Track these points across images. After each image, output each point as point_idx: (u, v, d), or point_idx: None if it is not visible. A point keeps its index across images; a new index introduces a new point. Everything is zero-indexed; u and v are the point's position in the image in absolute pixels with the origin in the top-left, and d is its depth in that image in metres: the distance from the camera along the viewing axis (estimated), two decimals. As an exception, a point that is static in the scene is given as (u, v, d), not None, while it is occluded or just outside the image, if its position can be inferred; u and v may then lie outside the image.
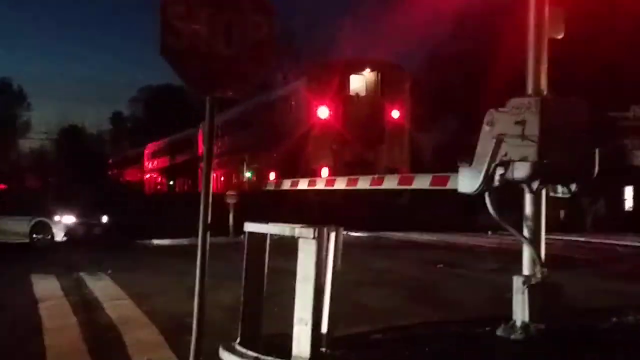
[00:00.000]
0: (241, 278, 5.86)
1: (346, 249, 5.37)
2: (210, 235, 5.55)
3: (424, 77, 36.72)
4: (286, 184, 22.98)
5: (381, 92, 30.39)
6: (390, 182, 17.81)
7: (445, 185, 14.03)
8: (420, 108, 32.32)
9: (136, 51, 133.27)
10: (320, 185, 20.46)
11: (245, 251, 5.79)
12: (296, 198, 22.43)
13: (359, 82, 30.85)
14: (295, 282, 5.40)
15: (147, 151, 62.11)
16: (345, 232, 5.57)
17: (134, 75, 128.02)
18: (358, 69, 30.62)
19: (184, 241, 19.49)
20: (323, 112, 28.04)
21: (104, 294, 10.87)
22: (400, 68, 31.72)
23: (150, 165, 61.31)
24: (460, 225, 23.23)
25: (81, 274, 13.29)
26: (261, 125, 34.38)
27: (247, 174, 30.53)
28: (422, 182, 16.05)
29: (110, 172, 68.46)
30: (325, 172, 26.94)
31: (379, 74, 30.42)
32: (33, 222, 20.50)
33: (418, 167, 27.52)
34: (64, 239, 20.47)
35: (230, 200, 21.90)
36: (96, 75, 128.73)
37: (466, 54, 33.45)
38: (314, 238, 5.27)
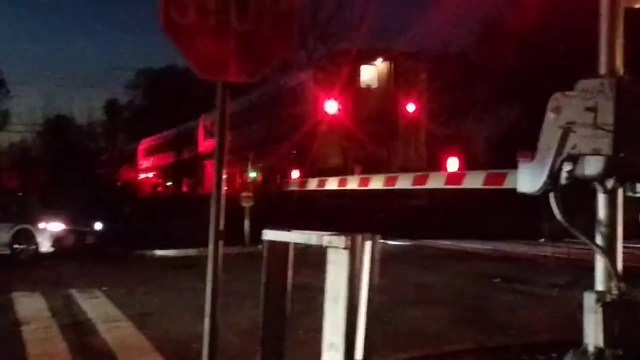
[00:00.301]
0: (259, 296, 5.81)
1: (384, 261, 5.34)
2: (223, 245, 5.51)
3: (474, 56, 36.55)
4: (312, 184, 23.17)
5: (395, 83, 31.32)
6: (435, 181, 17.83)
7: (501, 184, 14.00)
8: (472, 93, 32.23)
9: (134, 29, 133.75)
10: (352, 184, 20.56)
11: (264, 263, 5.74)
12: (311, 201, 22.59)
13: (371, 73, 31.84)
14: (323, 300, 5.31)
15: (140, 147, 62.78)
16: (382, 241, 5.55)
17: (131, 57, 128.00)
18: (369, 59, 31.58)
19: (191, 252, 19.64)
20: (331, 107, 28.56)
21: (99, 314, 10.96)
22: (416, 57, 32.58)
23: (144, 164, 61.97)
24: (503, 230, 23.17)
25: (71, 290, 13.44)
26: (265, 120, 35.66)
27: (252, 174, 31.55)
28: (473, 180, 16.02)
29: (103, 171, 69.03)
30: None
31: (392, 64, 31.37)
32: (14, 230, 20.74)
33: (468, 163, 27.43)
34: (51, 249, 20.71)
35: (246, 203, 22.03)
36: (87, 57, 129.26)
37: (527, 26, 33.22)
38: (345, 248, 5.17)
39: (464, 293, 12.99)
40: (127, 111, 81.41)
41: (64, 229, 21.25)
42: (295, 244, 5.72)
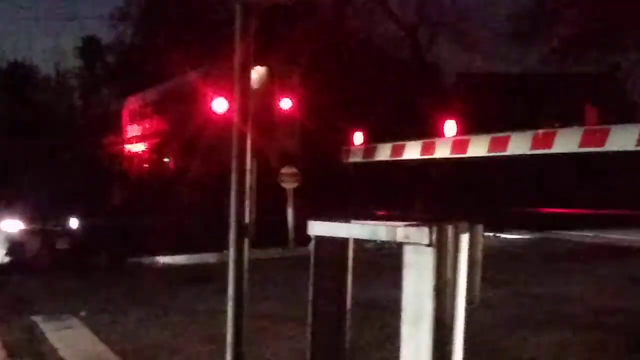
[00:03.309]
0: (306, 318, 5.79)
1: (496, 262, 5.27)
2: (255, 246, 5.54)
3: None
4: (383, 152, 23.59)
5: (273, 85, 43.75)
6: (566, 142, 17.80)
7: None
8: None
9: None
10: (442, 151, 20.54)
11: (311, 271, 5.68)
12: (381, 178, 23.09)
13: (253, 76, 47.44)
14: (400, 322, 5.24)
15: (126, 109, 62.92)
16: (489, 234, 5.47)
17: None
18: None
19: (209, 257, 19.67)
20: (220, 105, 37.54)
21: (75, 351, 10.99)
22: (291, 62, 46.28)
23: (132, 132, 62.30)
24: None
25: (35, 318, 13.42)
26: (170, 113, 53.17)
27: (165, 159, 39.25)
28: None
29: (80, 143, 68.10)
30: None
31: (270, 69, 44.24)
32: (-48, 231, 20.86)
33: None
34: (5, 259, 20.82)
35: (289, 184, 22.05)
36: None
37: None
38: (430, 244, 5.04)
39: (616, 308, 12.80)
40: (113, 54, 78.75)
41: (24, 229, 21.32)
42: (357, 241, 5.59)
